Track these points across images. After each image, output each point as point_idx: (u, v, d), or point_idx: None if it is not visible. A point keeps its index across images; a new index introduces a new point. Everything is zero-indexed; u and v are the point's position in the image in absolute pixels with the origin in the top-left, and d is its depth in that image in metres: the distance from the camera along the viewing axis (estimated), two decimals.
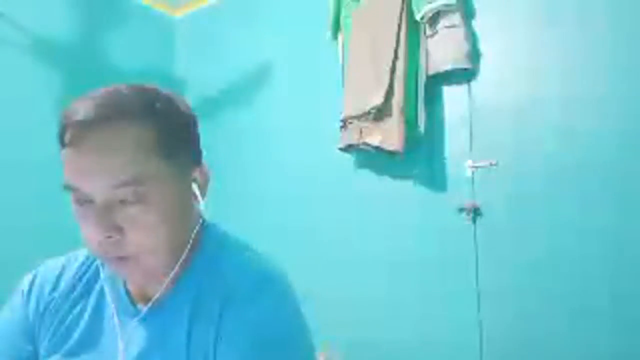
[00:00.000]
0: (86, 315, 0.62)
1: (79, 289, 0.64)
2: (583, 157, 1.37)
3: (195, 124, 0.61)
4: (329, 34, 1.86)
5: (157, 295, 0.59)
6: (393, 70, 1.58)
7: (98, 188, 0.50)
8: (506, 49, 1.53)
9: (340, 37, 1.84)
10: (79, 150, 0.51)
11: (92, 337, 0.60)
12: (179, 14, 2.59)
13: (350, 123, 1.68)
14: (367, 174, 1.80)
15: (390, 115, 1.57)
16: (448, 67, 1.54)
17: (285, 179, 2.05)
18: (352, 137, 1.67)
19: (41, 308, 0.64)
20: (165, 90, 0.58)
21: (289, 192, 2.03)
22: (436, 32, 1.56)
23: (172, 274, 0.58)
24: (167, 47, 2.53)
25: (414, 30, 1.61)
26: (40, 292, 0.65)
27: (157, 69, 2.44)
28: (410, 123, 1.57)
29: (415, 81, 1.60)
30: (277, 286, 0.59)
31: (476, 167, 1.55)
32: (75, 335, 0.61)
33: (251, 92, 2.22)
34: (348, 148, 1.72)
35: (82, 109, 0.51)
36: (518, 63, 1.51)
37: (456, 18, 1.52)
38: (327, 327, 1.43)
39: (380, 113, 1.59)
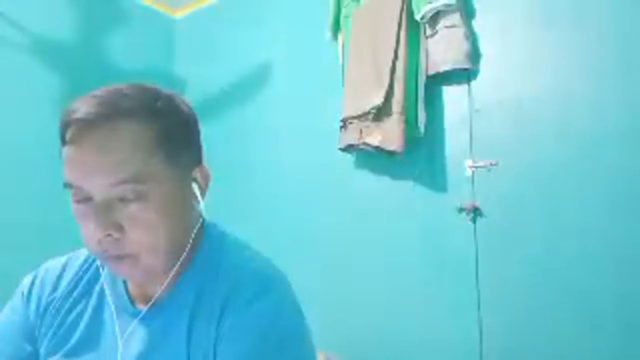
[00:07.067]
0: (86, 316, 0.62)
1: (79, 289, 0.64)
2: (583, 157, 1.37)
3: (195, 124, 0.61)
4: (329, 34, 1.86)
5: (157, 295, 0.59)
6: (393, 70, 1.58)
7: (98, 186, 0.51)
8: (506, 49, 1.53)
9: (340, 37, 1.84)
10: (79, 148, 0.51)
11: (92, 337, 0.60)
12: (179, 14, 2.59)
13: (351, 123, 1.68)
14: (367, 174, 1.80)
15: (390, 115, 1.56)
16: (448, 67, 1.54)
17: (286, 179, 2.05)
18: (352, 137, 1.67)
19: (41, 309, 0.64)
20: (165, 89, 0.58)
21: (289, 192, 2.02)
22: (436, 32, 1.56)
23: (172, 274, 0.58)
24: (167, 47, 2.54)
25: (414, 30, 1.61)
26: (40, 293, 0.65)
27: (157, 69, 2.44)
28: (410, 123, 1.57)
29: (415, 81, 1.60)
30: (276, 286, 0.59)
31: (476, 167, 1.55)
32: (76, 335, 0.61)
33: (251, 92, 2.22)
34: (348, 148, 1.71)
35: (83, 108, 0.51)
36: (518, 63, 1.50)
37: (456, 18, 1.52)
38: (327, 327, 1.43)
39: (380, 113, 1.58)
